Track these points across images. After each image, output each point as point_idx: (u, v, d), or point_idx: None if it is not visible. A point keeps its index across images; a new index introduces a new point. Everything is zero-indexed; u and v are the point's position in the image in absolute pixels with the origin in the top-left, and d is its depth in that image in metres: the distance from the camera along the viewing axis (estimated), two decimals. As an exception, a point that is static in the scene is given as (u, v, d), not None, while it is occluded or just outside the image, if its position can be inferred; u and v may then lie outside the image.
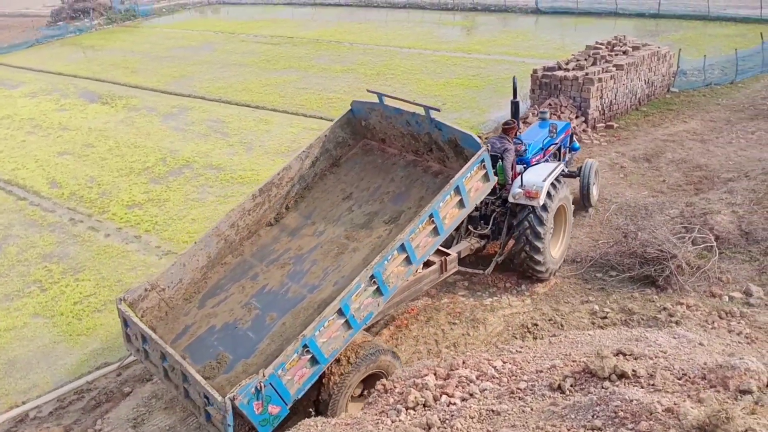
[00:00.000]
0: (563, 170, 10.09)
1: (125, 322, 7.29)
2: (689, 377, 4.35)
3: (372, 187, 8.78)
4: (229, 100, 21.97)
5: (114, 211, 13.86)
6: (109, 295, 10.63)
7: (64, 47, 36.05)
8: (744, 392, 3.94)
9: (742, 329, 7.79)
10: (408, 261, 7.06)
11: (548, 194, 9.06)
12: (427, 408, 5.57)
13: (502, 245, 9.51)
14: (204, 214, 13.35)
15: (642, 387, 4.35)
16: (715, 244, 9.48)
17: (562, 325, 8.61)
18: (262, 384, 5.81)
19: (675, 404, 3.79)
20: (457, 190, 7.45)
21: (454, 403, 5.43)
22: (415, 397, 5.70)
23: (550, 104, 15.20)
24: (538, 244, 9.09)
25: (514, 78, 10.46)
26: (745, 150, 13.48)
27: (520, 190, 8.99)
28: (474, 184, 7.70)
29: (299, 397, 6.25)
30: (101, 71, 28.33)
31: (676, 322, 8.06)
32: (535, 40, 27.77)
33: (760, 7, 26.89)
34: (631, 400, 3.96)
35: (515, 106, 10.29)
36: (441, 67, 24.12)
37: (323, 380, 6.65)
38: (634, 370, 4.51)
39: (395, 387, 6.12)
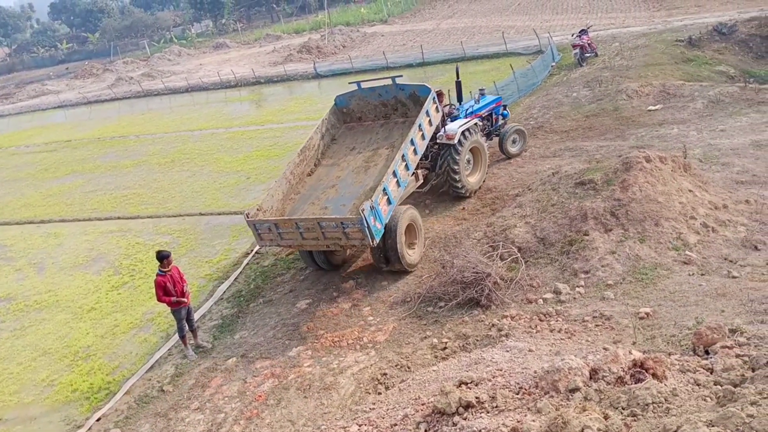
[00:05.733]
0: (477, 123, 14.20)
1: (254, 227, 10.74)
2: (525, 389, 4.60)
3: (366, 140, 13.17)
4: (7, 221, 19.61)
5: None
6: None
7: None
8: (573, 391, 4.24)
9: (561, 326, 8.51)
10: (415, 152, 11.84)
11: (463, 137, 13.28)
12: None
13: (436, 174, 13.66)
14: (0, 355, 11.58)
15: (488, 412, 4.49)
16: (519, 255, 10.36)
17: (408, 367, 8.70)
18: (373, 204, 10.03)
19: (518, 422, 3.96)
20: (427, 113, 12.28)
21: (319, 486, 5.14)
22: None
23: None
24: (456, 169, 13.25)
25: (457, 65, 15.80)
26: (522, 167, 15.11)
27: (443, 134, 13.17)
28: (432, 111, 12.54)
29: (386, 222, 10.51)
30: None
31: (506, 335, 8.56)
32: (322, 102, 28.90)
33: (504, 42, 30.94)
34: (480, 431, 4.07)
35: (458, 85, 14.89)
36: (237, 143, 24.03)
37: (385, 236, 10.62)
38: (477, 397, 4.66)
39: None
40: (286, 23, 71.10)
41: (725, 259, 9.30)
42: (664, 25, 29.26)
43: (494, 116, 15.74)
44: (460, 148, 13.21)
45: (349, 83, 13.61)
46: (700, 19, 28.19)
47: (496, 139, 15.86)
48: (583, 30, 24.96)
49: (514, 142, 15.73)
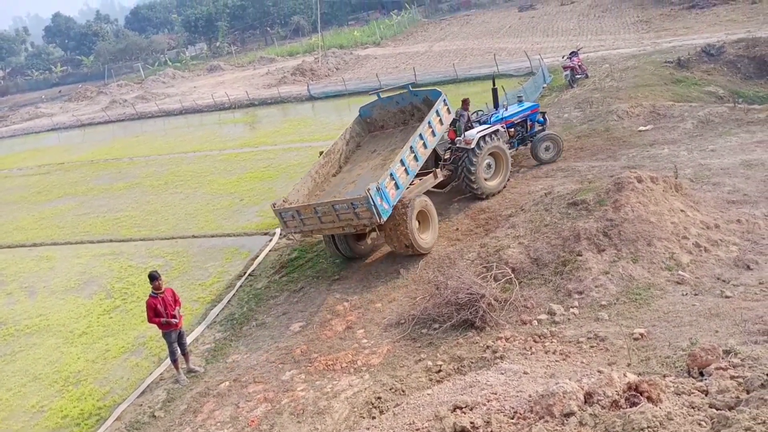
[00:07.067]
0: (498, 130, 14.92)
1: (281, 215, 12.19)
2: (520, 414, 4.56)
3: (386, 144, 14.70)
4: (-2, 245, 19.51)
5: None
6: None
7: None
8: (567, 415, 4.21)
9: (556, 347, 8.47)
10: (424, 145, 13.14)
11: (480, 143, 14.08)
12: None
13: (457, 176, 14.53)
14: (-13, 382, 11.40)
15: (482, 437, 4.46)
16: (513, 275, 10.34)
17: (403, 391, 8.61)
18: (379, 186, 11.28)
19: (513, 448, 3.93)
20: (437, 113, 13.59)
21: None
22: None
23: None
24: (472, 171, 14.12)
25: (493, 74, 17.18)
26: (515, 187, 15.15)
27: (461, 139, 14.21)
28: (443, 112, 13.83)
29: (394, 204, 11.71)
30: None
31: (501, 357, 8.50)
32: (315, 124, 29.08)
33: (495, 64, 31.24)
34: (474, 457, 4.02)
35: (494, 93, 15.99)
36: (231, 165, 24.05)
37: (397, 222, 11.87)
38: (472, 422, 4.61)
39: None
40: (280, 46, 71.72)
41: (718, 278, 9.31)
42: (654, 46, 29.64)
43: (529, 123, 16.46)
44: (477, 153, 14.08)
45: (369, 94, 15.70)
46: (689, 41, 28.57)
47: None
48: (573, 52, 25.26)
49: (547, 149, 16.19)
